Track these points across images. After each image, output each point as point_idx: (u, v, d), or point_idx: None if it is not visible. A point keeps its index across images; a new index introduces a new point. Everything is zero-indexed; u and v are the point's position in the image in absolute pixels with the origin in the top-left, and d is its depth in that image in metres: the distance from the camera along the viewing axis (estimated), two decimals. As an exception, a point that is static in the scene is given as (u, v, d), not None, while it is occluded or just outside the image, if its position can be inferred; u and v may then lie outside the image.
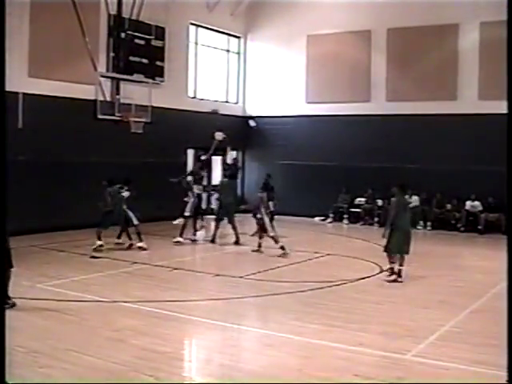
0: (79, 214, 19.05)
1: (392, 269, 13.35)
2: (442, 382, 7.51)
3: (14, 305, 10.30)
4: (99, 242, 16.33)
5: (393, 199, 13.47)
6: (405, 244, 13.18)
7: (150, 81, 21.23)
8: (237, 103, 28.05)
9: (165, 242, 18.05)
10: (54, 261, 14.99)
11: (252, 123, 27.68)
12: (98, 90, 18.94)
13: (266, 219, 16.80)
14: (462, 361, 8.07)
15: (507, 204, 20.16)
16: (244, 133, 27.58)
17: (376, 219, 23.75)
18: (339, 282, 12.99)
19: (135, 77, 21.28)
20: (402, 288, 12.84)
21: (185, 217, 17.91)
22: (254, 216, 16.89)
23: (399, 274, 13.18)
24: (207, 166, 18.26)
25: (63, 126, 19.43)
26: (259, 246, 16.73)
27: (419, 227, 22.94)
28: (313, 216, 24.84)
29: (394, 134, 24.07)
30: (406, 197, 14.16)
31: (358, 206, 24.51)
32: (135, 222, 16.82)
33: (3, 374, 6.09)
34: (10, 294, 10.39)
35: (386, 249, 13.38)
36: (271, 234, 16.64)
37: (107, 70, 20.87)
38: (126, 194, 16.87)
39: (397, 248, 13.20)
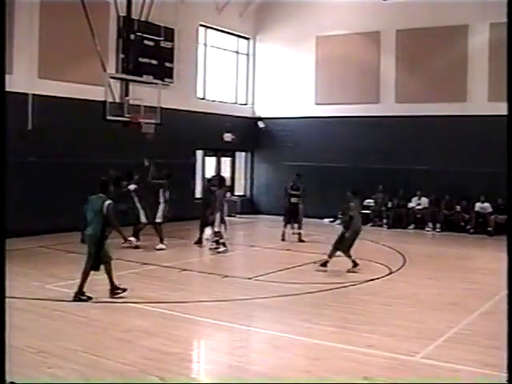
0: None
1: (327, 262, 14.39)
2: (439, 382, 7.50)
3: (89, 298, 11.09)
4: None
5: (351, 203, 14.62)
6: (352, 244, 14.50)
7: (160, 82, 21.20)
8: (246, 104, 28.07)
9: (173, 243, 18.04)
10: (62, 261, 15.02)
11: (261, 124, 27.68)
12: (108, 91, 18.91)
13: (217, 215, 17.04)
14: (471, 363, 8.05)
15: (507, 204, 20.13)
16: (253, 134, 27.59)
17: (385, 220, 23.72)
18: (348, 284, 12.97)
19: (144, 78, 21.27)
20: (410, 290, 12.82)
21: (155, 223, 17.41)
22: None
23: (326, 264, 14.43)
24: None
25: (72, 127, 19.48)
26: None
27: (428, 229, 22.91)
28: (322, 217, 24.80)
29: (403, 136, 24.03)
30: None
31: (367, 208, 24.46)
32: (143, 219, 17.01)
33: (3, 373, 6.08)
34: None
35: (337, 245, 14.47)
36: (216, 229, 17.05)
37: (116, 72, 20.91)
38: (132, 186, 17.02)
39: (346, 246, 14.40)
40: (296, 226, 19.51)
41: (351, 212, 14.44)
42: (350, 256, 14.44)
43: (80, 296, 11.04)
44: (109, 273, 11.32)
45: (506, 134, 7.95)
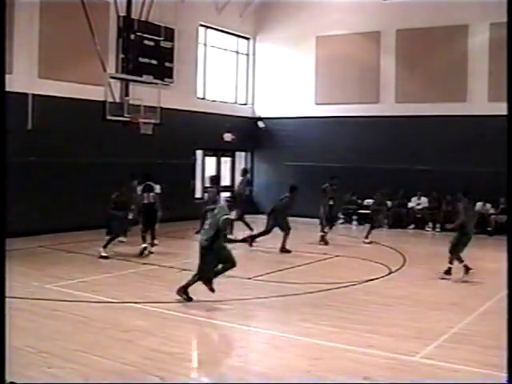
0: (88, 214, 19.08)
1: (451, 269, 13.88)
2: (440, 383, 7.49)
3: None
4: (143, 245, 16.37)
5: (461, 205, 14.06)
6: (465, 247, 13.94)
7: (159, 82, 21.22)
8: (246, 104, 28.06)
9: (172, 243, 18.05)
10: (62, 261, 15.03)
11: (261, 124, 27.68)
12: (108, 91, 18.92)
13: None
14: (471, 363, 8.04)
15: (507, 204, 20.10)
16: (253, 134, 27.58)
17: (385, 221, 23.69)
18: (348, 284, 12.96)
19: (144, 78, 21.27)
20: (411, 289, 12.82)
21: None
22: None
23: (450, 271, 13.86)
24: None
25: (72, 127, 19.50)
26: None
27: (428, 229, 22.89)
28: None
29: (403, 136, 24.03)
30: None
31: (367, 208, 24.44)
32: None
33: (3, 373, 6.07)
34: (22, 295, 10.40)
35: (453, 250, 13.91)
36: None
37: (116, 71, 20.89)
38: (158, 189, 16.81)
39: (458, 251, 13.87)
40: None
41: (462, 215, 13.85)
42: (461, 261, 13.82)
43: (183, 293, 11.10)
44: (219, 271, 11.29)
45: (507, 134, 7.95)
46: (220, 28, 26.31)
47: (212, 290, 11.09)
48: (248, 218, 21.08)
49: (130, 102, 19.96)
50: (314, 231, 20.10)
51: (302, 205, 25.17)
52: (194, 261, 15.97)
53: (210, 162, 26.54)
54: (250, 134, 27.45)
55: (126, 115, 19.60)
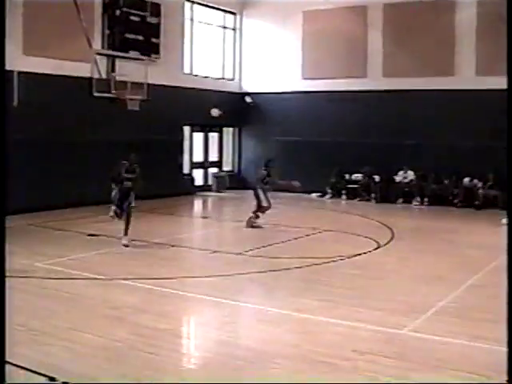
0: (76, 191, 19.05)
1: None
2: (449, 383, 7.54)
3: None
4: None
5: None
6: None
7: (146, 58, 21.13)
8: (233, 80, 27.94)
9: (162, 219, 18.05)
10: (52, 239, 15.00)
11: (248, 99, 27.60)
12: (94, 67, 18.82)
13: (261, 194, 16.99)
14: (458, 335, 8.11)
15: (508, 196, 20.16)
16: (240, 109, 27.49)
17: (373, 195, 23.78)
18: (337, 258, 13.02)
19: (131, 54, 21.17)
20: (399, 264, 12.91)
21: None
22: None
23: None
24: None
25: (58, 104, 19.33)
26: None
27: (416, 203, 22.98)
28: (310, 192, 24.84)
29: (390, 110, 24.00)
30: None
31: (355, 182, 24.52)
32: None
33: (3, 373, 6.08)
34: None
35: None
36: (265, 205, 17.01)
37: (102, 48, 20.74)
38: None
39: None
40: None
41: None
42: None
43: None
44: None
45: (507, 127, 7.92)
46: (206, 3, 26.07)
47: None
48: (234, 193, 21.15)
49: (117, 78, 19.87)
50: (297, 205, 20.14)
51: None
52: (183, 236, 16.11)
53: (198, 137, 26.48)
54: (238, 110, 27.36)
55: (112, 91, 19.53)
